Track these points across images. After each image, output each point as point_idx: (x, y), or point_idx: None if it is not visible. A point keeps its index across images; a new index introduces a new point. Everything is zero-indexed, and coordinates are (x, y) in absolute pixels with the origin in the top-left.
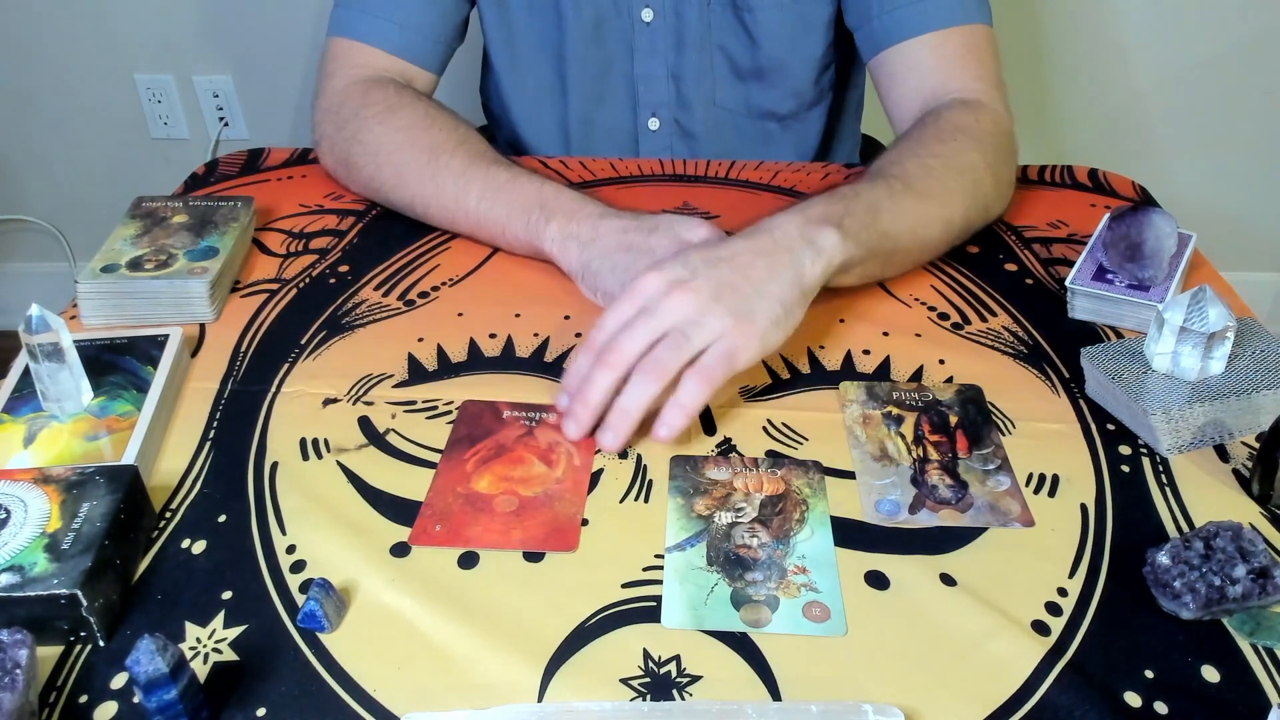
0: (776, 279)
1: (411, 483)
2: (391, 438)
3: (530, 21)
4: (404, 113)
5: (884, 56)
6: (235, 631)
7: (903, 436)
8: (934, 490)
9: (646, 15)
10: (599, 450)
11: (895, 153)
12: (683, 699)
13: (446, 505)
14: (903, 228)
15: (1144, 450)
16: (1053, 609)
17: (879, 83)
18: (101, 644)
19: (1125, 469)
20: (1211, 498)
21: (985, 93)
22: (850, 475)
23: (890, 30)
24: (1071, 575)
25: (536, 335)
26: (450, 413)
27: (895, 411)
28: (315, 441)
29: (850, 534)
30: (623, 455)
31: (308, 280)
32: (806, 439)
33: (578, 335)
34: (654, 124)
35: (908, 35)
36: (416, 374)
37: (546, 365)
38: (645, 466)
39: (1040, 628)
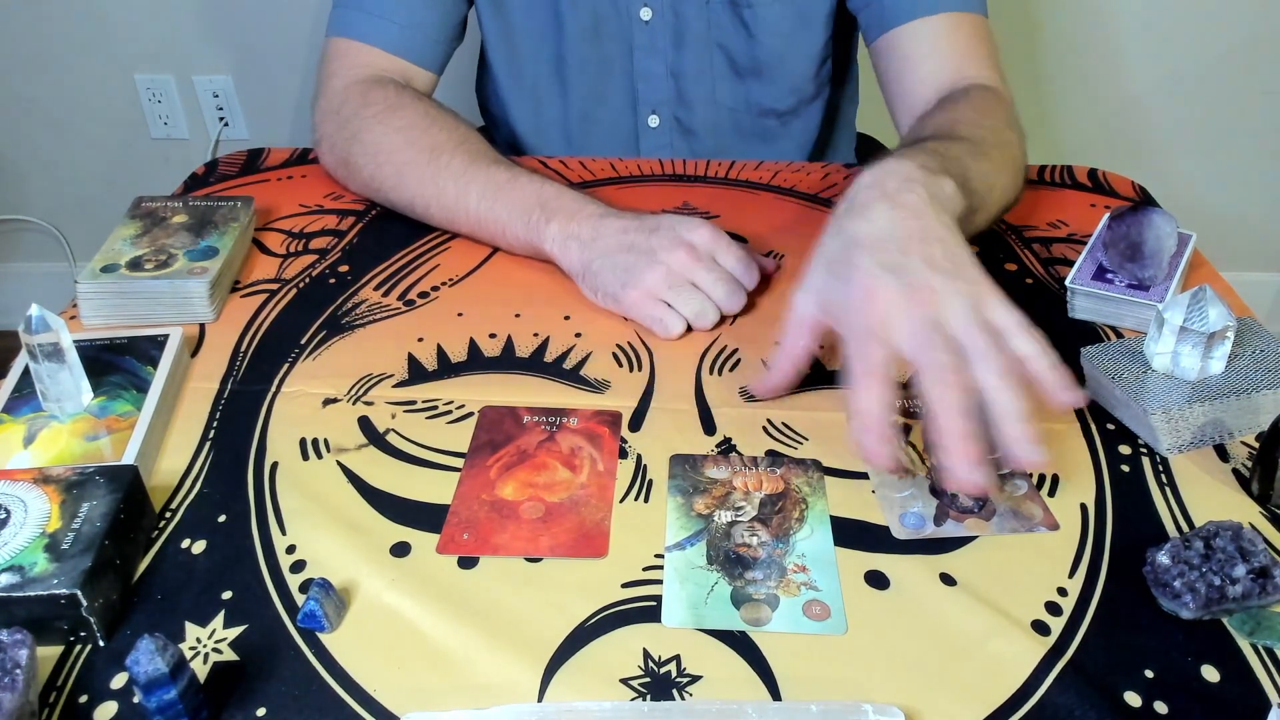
0: (951, 236)
1: (412, 483)
2: (391, 438)
3: (528, 21)
4: (404, 113)
5: (892, 37)
6: (235, 631)
7: (913, 446)
8: (954, 500)
9: (645, 14)
10: (623, 457)
11: (946, 119)
12: (683, 699)
13: (473, 513)
14: (982, 187)
15: (1144, 450)
16: (1052, 609)
17: (886, 64)
18: (101, 644)
19: (1125, 469)
20: (1211, 497)
21: (998, 82)
22: (849, 475)
23: (901, 8)
24: (1071, 575)
25: (536, 335)
26: (450, 412)
27: (901, 420)
28: (315, 441)
29: (850, 533)
30: (623, 455)
31: (308, 280)
32: (806, 439)
33: (578, 335)
34: (654, 121)
35: (920, 14)
36: (416, 374)
37: (546, 365)
38: (645, 466)
39: (1040, 627)
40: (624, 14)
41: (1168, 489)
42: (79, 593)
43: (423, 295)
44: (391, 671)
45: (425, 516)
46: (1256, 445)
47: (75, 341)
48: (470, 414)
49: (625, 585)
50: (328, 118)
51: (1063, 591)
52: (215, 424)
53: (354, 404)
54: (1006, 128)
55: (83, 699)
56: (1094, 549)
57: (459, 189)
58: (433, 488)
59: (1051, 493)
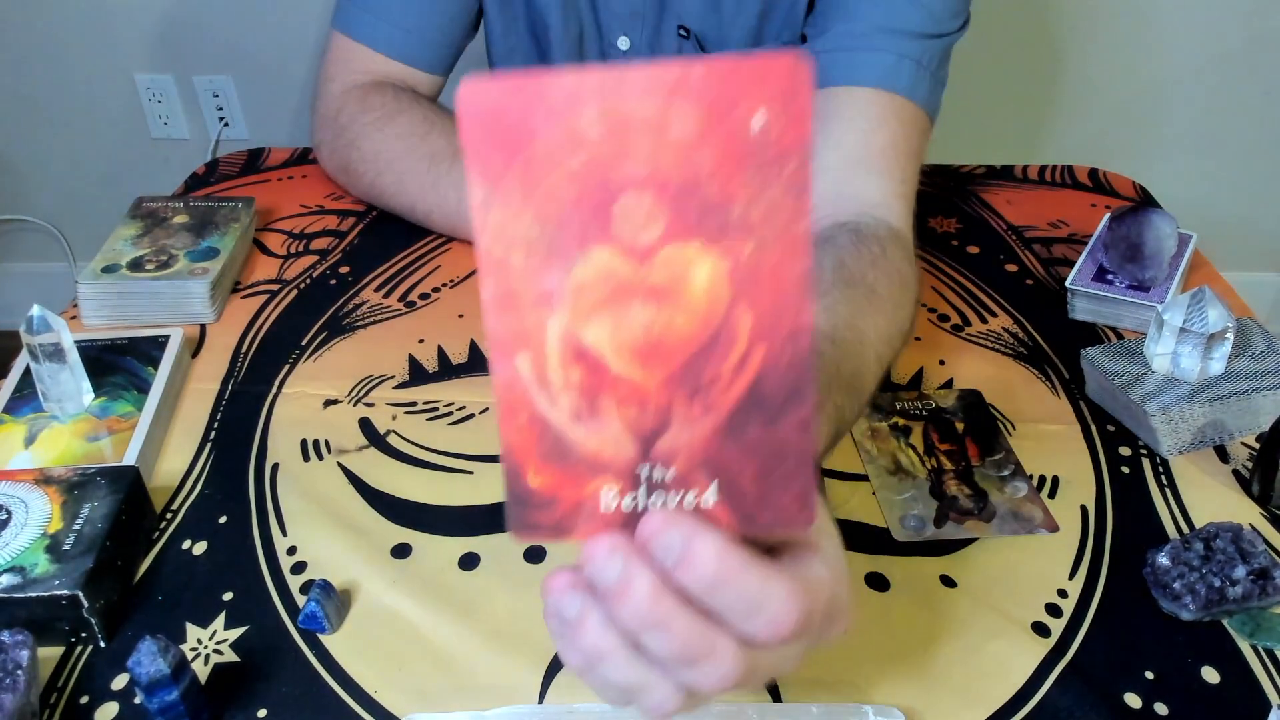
0: None
1: (412, 484)
2: (392, 439)
3: (507, 40)
4: (402, 119)
5: (820, 97)
6: (236, 632)
7: (914, 448)
8: (954, 501)
9: (623, 43)
10: None
11: (855, 269)
12: None
13: None
14: (871, 388)
15: (1144, 451)
16: (1053, 610)
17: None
18: (102, 645)
19: (1125, 470)
20: (1211, 498)
21: (902, 217)
22: (850, 476)
23: (830, 72)
24: (1072, 576)
25: None
26: (450, 413)
27: (902, 422)
28: (316, 443)
29: (851, 535)
30: None
31: (308, 281)
32: None
33: None
34: None
35: (847, 82)
36: (417, 375)
37: None
38: None
39: (1040, 629)
40: (605, 40)
41: (1168, 490)
42: (80, 594)
43: (423, 297)
44: (392, 673)
45: (426, 518)
46: (1257, 446)
47: (76, 342)
48: (471, 415)
49: None
50: (325, 124)
51: (1063, 593)
52: (216, 425)
53: (355, 405)
54: (904, 290)
55: (84, 700)
56: (1094, 550)
57: (460, 196)
58: (433, 489)
59: (1052, 494)
